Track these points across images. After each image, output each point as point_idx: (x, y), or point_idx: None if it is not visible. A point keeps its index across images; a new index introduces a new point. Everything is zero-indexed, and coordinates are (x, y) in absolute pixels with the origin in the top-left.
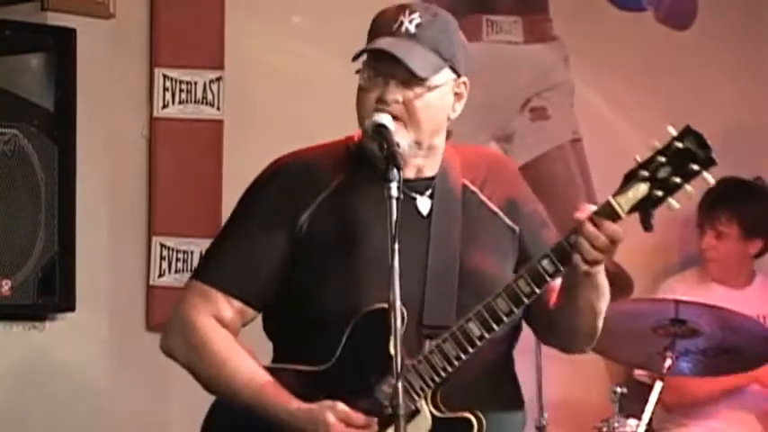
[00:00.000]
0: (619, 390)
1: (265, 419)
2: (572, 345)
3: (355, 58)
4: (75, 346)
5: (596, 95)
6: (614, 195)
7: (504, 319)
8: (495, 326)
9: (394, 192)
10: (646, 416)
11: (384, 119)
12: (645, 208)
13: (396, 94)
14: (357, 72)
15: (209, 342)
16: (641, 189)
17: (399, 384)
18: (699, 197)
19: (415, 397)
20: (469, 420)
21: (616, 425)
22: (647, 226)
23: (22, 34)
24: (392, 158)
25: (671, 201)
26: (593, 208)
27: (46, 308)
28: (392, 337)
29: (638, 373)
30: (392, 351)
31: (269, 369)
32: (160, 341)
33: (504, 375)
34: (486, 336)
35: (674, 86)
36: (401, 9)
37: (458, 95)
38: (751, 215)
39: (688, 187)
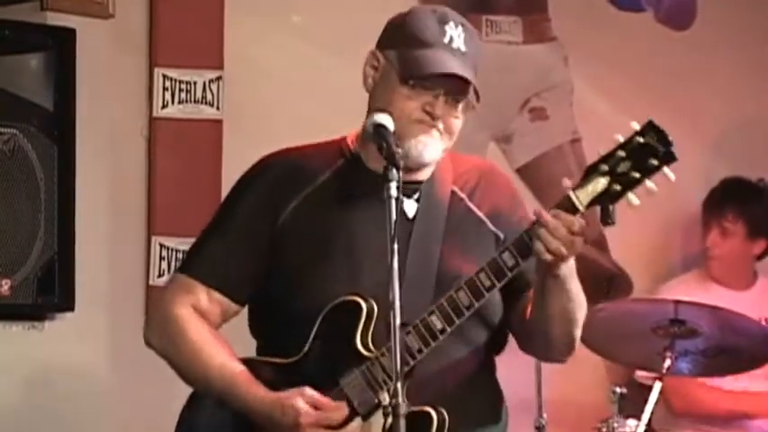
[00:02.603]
0: (618, 390)
1: (236, 408)
2: (547, 353)
3: (422, 78)
4: (74, 345)
5: (596, 96)
6: (574, 189)
7: (465, 312)
8: (456, 319)
9: (393, 192)
10: (645, 416)
11: (384, 119)
12: (604, 203)
13: (442, 110)
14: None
15: (184, 331)
16: (600, 183)
17: (399, 384)
18: (703, 196)
19: (378, 389)
20: (429, 414)
21: (615, 425)
22: (606, 221)
23: (22, 34)
24: (391, 159)
25: (630, 196)
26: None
27: (45, 308)
28: (393, 338)
29: (639, 374)
30: (393, 352)
31: (243, 360)
32: (143, 332)
33: (483, 384)
34: (448, 329)
35: (674, 87)
36: (442, 18)
37: (471, 108)
38: (757, 215)
39: (649, 183)
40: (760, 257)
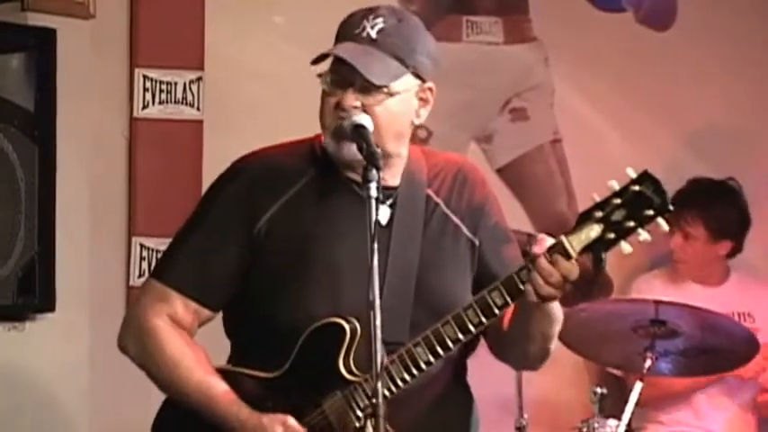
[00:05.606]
0: (599, 390)
1: (214, 423)
2: (521, 364)
3: (314, 63)
4: (55, 346)
5: (576, 96)
6: (567, 235)
7: (451, 345)
8: (441, 352)
9: (373, 192)
10: (625, 416)
11: (363, 119)
12: (596, 250)
13: (353, 101)
14: (319, 76)
15: (161, 344)
16: (594, 230)
17: (379, 385)
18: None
19: (360, 415)
20: None
21: (596, 425)
22: (598, 268)
23: (2, 34)
24: (371, 159)
25: (623, 244)
26: (551, 241)
27: (26, 308)
28: (372, 336)
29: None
30: (373, 349)
31: (221, 371)
32: (117, 337)
33: (455, 389)
34: (433, 361)
35: (654, 87)
36: (366, 13)
37: (423, 101)
38: (717, 217)
39: (642, 232)
40: (730, 255)
